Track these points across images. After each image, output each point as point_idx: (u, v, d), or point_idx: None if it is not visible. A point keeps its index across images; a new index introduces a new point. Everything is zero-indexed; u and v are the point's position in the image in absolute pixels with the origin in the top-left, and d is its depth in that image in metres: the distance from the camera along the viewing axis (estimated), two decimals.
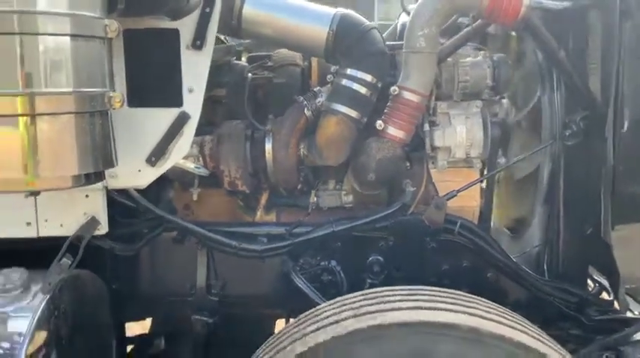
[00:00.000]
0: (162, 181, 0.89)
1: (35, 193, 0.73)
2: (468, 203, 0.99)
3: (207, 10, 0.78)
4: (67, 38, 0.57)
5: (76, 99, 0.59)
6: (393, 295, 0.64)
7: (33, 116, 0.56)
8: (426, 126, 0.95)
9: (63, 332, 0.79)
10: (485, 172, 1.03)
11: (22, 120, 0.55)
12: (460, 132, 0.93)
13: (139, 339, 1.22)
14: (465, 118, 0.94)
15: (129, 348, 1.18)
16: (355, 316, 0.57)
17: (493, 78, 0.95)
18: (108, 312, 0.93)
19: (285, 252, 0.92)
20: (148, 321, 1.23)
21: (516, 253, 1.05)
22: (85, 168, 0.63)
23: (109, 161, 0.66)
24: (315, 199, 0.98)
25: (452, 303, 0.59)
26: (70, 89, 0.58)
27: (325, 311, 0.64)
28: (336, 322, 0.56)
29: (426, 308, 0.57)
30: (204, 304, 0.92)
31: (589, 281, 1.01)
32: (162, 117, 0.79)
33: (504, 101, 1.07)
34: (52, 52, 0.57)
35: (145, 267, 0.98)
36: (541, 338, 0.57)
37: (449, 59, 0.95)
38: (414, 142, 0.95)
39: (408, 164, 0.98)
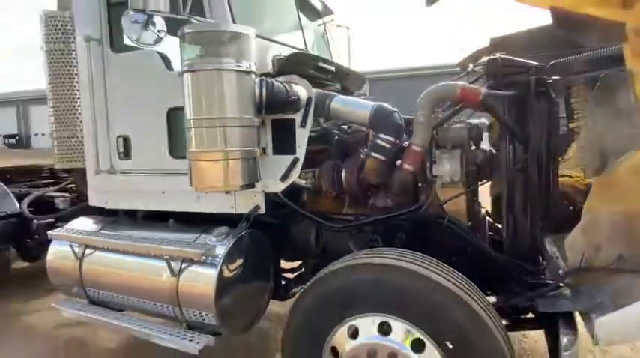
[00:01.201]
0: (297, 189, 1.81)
1: (227, 192, 1.68)
2: (456, 207, 1.65)
3: (308, 107, 1.63)
4: (237, 128, 1.47)
5: (242, 154, 1.50)
6: (382, 252, 1.38)
7: (226, 160, 1.47)
8: (428, 164, 1.65)
9: (242, 257, 1.72)
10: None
11: (222, 162, 1.47)
12: (446, 168, 1.60)
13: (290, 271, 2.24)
14: (450, 159, 1.61)
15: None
16: (354, 258, 1.36)
17: (470, 136, 1.61)
18: (269, 252, 1.91)
19: (353, 229, 1.75)
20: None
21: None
22: (244, 182, 1.52)
23: (255, 179, 1.55)
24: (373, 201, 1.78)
25: (400, 257, 1.29)
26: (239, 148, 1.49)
27: (356, 255, 1.42)
28: (348, 260, 1.36)
29: (379, 257, 1.30)
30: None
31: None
32: (286, 159, 1.66)
33: (482, 148, 1.70)
34: (231, 133, 1.47)
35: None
36: (442, 273, 1.22)
37: (444, 125, 1.65)
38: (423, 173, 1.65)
39: (420, 184, 1.69)
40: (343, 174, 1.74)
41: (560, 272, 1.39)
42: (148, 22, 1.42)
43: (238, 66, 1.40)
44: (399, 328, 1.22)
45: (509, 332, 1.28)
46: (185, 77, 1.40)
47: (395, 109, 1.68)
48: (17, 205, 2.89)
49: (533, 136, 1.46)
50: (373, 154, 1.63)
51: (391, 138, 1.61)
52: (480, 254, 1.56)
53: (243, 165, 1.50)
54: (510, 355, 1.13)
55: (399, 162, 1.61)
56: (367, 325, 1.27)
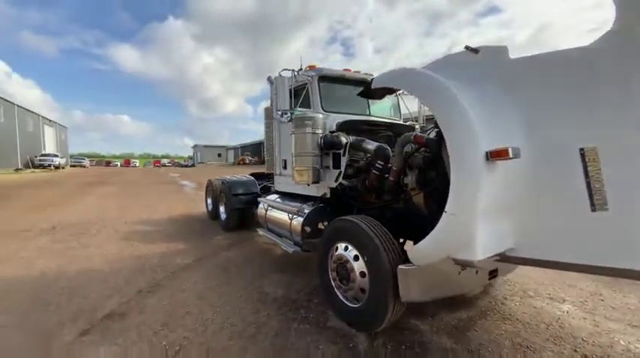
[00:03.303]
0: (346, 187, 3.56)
1: (308, 184, 3.63)
2: (418, 199, 2.79)
3: (346, 147, 3.32)
4: (310, 156, 3.38)
5: (312, 167, 3.40)
6: (355, 216, 2.86)
7: (306, 170, 3.41)
8: (402, 177, 2.90)
9: (314, 214, 3.65)
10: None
11: (305, 171, 3.43)
12: (411, 179, 2.79)
13: None
14: (413, 175, 2.79)
15: None
16: (344, 217, 2.93)
17: (424, 162, 2.74)
18: (328, 215, 3.78)
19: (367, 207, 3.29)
20: None
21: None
22: (314, 180, 3.40)
23: (319, 179, 3.41)
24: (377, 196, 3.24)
25: (359, 218, 2.80)
26: (311, 165, 3.39)
27: (347, 216, 2.98)
28: (342, 218, 2.94)
29: (350, 217, 2.81)
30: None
31: None
32: (336, 171, 3.39)
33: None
34: (307, 159, 3.40)
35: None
36: (367, 225, 2.57)
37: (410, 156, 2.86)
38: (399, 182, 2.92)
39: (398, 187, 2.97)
40: (363, 181, 3.27)
41: None
42: (283, 114, 3.65)
43: (312, 131, 3.35)
44: (350, 248, 2.72)
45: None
46: (292, 136, 3.52)
47: (387, 147, 3.04)
48: (258, 189, 6.13)
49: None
50: (373, 171, 3.08)
51: (382, 163, 3.01)
52: (416, 221, 2.68)
53: (313, 172, 3.41)
54: (388, 261, 2.35)
55: (385, 176, 2.98)
56: (341, 246, 2.83)
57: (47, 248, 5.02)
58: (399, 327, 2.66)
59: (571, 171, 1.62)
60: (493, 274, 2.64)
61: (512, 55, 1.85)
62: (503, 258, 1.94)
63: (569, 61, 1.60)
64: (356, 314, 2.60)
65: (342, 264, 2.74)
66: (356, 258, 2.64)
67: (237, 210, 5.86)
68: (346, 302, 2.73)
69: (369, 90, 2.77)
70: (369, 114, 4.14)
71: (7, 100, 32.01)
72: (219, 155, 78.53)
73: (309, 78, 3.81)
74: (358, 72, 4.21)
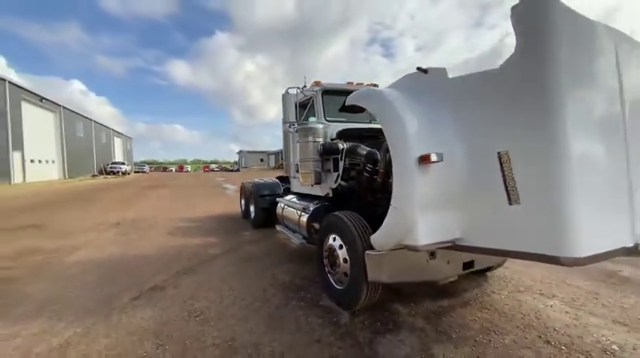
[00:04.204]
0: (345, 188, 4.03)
1: (312, 185, 4.16)
2: None
3: (343, 152, 3.79)
4: (312, 161, 3.92)
5: (314, 171, 3.94)
6: (343, 211, 3.32)
7: (309, 173, 3.95)
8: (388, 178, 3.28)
9: (318, 211, 4.16)
10: None
11: (308, 174, 3.96)
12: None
13: None
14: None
15: None
16: (335, 213, 3.40)
17: None
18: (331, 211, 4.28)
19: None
20: None
21: None
22: (315, 181, 3.94)
23: (320, 181, 3.92)
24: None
25: (345, 213, 3.21)
26: (312, 169, 3.92)
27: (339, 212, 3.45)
28: (334, 213, 3.42)
29: (338, 212, 3.26)
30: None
31: None
32: (335, 174, 3.89)
33: None
34: (309, 164, 3.94)
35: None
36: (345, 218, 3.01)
37: None
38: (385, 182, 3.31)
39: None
40: (358, 182, 3.70)
41: None
42: (290, 125, 4.22)
43: (313, 140, 3.88)
44: (337, 239, 3.18)
45: None
46: (297, 144, 4.07)
47: (376, 152, 3.45)
48: (281, 190, 6.81)
49: None
50: (365, 173, 3.50)
51: (372, 166, 3.42)
52: None
53: (315, 175, 3.93)
54: (362, 248, 2.77)
55: (375, 177, 3.39)
56: (331, 237, 3.30)
57: (114, 238, 6.19)
58: (382, 309, 3.06)
59: (493, 171, 1.93)
60: (468, 265, 2.92)
61: (454, 74, 2.20)
62: (455, 246, 2.27)
63: (485, 80, 1.92)
64: (341, 294, 3.06)
65: (332, 253, 3.22)
66: (340, 247, 3.10)
67: (263, 210, 6.58)
68: (335, 285, 3.20)
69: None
70: (370, 122, 4.54)
71: (85, 117, 37.45)
72: (262, 160, 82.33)
73: (314, 92, 4.35)
74: (361, 84, 4.65)
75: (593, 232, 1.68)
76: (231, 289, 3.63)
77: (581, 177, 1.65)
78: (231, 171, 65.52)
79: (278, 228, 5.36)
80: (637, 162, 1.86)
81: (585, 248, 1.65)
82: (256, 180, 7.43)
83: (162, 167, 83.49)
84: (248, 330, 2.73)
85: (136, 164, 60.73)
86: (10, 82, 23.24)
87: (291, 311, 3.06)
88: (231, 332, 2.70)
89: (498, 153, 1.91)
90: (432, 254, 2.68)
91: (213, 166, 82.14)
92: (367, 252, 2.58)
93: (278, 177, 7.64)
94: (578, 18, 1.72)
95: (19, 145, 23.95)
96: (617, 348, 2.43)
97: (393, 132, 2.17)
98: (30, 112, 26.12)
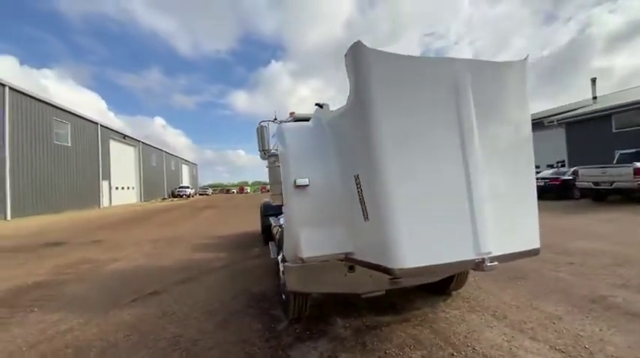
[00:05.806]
0: None
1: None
2: None
3: None
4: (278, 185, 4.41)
5: (278, 191, 4.41)
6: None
7: (277, 195, 4.43)
8: None
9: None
10: None
11: (277, 195, 4.45)
12: None
13: None
14: None
15: None
16: None
17: None
18: None
19: None
20: None
21: None
22: (282, 202, 4.38)
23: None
24: None
25: None
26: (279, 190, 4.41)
27: None
28: None
29: None
30: None
31: None
32: None
33: None
34: (277, 184, 4.43)
35: None
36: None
37: None
38: None
39: None
40: None
41: None
42: (265, 153, 4.81)
43: (277, 165, 4.39)
44: (281, 252, 3.57)
45: None
46: (267, 169, 4.62)
47: None
48: None
49: None
50: None
51: None
52: None
53: (280, 196, 4.40)
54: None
55: None
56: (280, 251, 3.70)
57: (148, 252, 7.39)
58: (321, 320, 3.32)
59: (356, 192, 2.21)
60: (394, 280, 3.05)
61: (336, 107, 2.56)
62: (347, 259, 2.53)
63: (341, 115, 2.24)
64: (283, 304, 3.41)
65: (278, 265, 3.61)
66: (282, 260, 3.48)
67: (267, 227, 7.18)
68: (282, 295, 3.56)
69: None
70: None
71: (159, 149, 43.76)
72: None
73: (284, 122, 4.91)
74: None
75: (419, 246, 1.86)
76: (209, 296, 4.22)
77: (404, 197, 1.87)
78: None
79: (270, 243, 5.87)
80: (477, 183, 1.97)
81: (410, 260, 1.84)
82: (265, 200, 8.13)
83: (225, 189, 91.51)
84: (198, 329, 3.24)
85: (200, 187, 67.95)
86: (101, 125, 28.77)
87: (243, 317, 3.50)
88: (184, 329, 3.25)
89: (355, 176, 2.20)
90: (351, 268, 2.91)
91: (269, 187, 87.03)
92: (285, 263, 2.94)
93: None
94: (396, 59, 1.98)
95: (107, 175, 29.16)
96: None
97: (281, 160, 2.59)
98: (116, 148, 31.81)
